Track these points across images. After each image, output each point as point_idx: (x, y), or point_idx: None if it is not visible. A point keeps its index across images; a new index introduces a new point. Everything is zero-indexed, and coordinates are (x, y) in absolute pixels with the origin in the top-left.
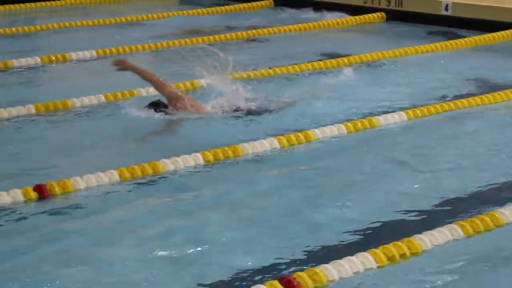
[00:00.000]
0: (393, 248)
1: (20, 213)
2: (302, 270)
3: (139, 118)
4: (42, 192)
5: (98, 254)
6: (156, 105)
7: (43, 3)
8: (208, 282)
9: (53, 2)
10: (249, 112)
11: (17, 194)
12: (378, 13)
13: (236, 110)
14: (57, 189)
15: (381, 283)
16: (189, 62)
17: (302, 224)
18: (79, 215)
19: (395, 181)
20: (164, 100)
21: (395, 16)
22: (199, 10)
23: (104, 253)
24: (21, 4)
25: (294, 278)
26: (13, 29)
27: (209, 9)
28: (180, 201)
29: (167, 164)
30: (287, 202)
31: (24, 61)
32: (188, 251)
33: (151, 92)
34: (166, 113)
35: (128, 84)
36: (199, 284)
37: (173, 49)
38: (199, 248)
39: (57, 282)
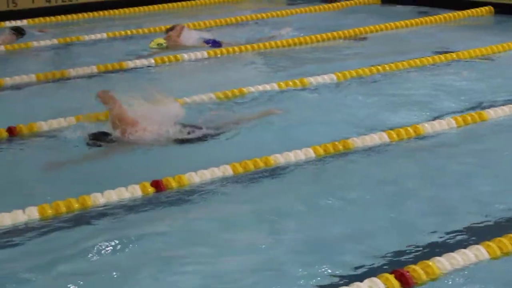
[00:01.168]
0: (507, 242)
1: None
2: (415, 263)
3: None
4: (159, 187)
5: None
6: (97, 139)
7: (160, 6)
8: (324, 275)
9: (165, 5)
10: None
11: (135, 189)
12: (486, 7)
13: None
14: (173, 184)
15: (494, 275)
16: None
17: (414, 218)
18: (192, 208)
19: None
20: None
21: (503, 9)
22: (306, 8)
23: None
24: (140, 7)
25: (407, 271)
26: (128, 31)
27: (316, 7)
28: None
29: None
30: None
31: (139, 62)
32: (305, 245)
33: None
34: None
35: (239, 82)
36: (319, 275)
37: (282, 48)
38: (319, 243)
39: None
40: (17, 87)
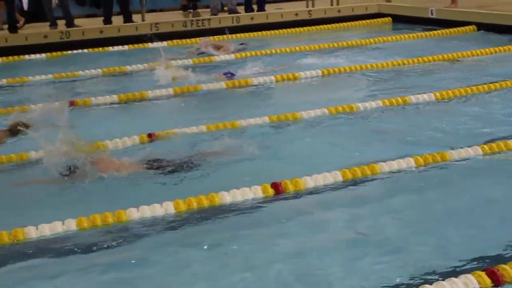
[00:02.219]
0: None
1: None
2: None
3: None
4: (277, 189)
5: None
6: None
7: (280, 31)
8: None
9: (284, 31)
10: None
11: (258, 190)
12: None
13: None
14: (290, 187)
15: None
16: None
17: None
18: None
19: None
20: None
21: None
22: (410, 34)
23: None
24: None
25: (498, 270)
26: (264, 51)
27: (419, 34)
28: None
29: None
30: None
31: (262, 79)
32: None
33: None
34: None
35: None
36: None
37: (387, 69)
38: (415, 240)
39: None
40: None
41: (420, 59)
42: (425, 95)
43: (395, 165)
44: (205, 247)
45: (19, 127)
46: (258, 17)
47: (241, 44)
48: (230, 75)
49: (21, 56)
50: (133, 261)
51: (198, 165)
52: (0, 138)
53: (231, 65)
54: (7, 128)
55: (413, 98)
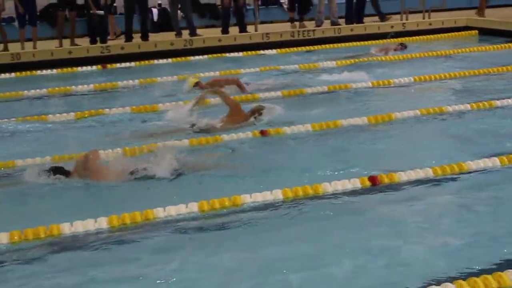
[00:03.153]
0: None
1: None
2: None
3: None
4: (374, 182)
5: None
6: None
7: (378, 41)
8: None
9: (380, 41)
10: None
11: (356, 182)
12: None
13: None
14: (386, 180)
15: None
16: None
17: None
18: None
19: None
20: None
21: None
22: (495, 46)
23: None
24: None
25: None
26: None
27: (504, 45)
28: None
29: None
30: None
31: (360, 84)
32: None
33: None
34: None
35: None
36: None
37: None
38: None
39: None
40: None
41: (505, 68)
42: (509, 100)
43: (481, 164)
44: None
45: (260, 111)
46: (357, 29)
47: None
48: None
49: (151, 61)
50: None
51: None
52: (244, 119)
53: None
54: (250, 111)
55: (498, 102)
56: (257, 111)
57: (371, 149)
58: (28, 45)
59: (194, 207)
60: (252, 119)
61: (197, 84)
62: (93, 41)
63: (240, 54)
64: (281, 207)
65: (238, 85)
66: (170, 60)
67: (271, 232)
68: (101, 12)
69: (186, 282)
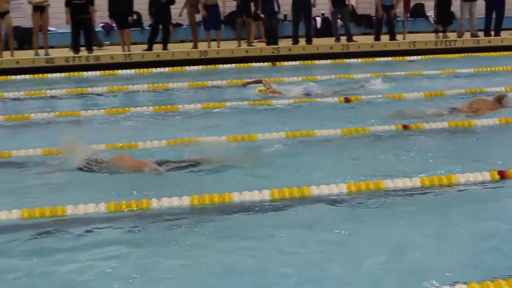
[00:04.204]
0: None
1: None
2: None
3: None
4: (503, 176)
5: None
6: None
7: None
8: None
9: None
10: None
11: (486, 176)
12: None
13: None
14: None
15: None
16: None
17: None
18: None
19: None
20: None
21: None
22: None
23: None
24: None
25: None
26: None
27: None
28: None
29: None
30: None
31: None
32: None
33: None
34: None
35: None
36: None
37: None
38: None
39: None
40: None
41: None
42: None
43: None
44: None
45: (504, 98)
46: (495, 41)
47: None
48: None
49: (313, 61)
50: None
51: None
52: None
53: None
54: (495, 98)
55: None
56: (502, 98)
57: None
58: (213, 45)
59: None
60: (498, 106)
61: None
62: (268, 43)
63: (389, 59)
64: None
65: (264, 83)
66: (329, 61)
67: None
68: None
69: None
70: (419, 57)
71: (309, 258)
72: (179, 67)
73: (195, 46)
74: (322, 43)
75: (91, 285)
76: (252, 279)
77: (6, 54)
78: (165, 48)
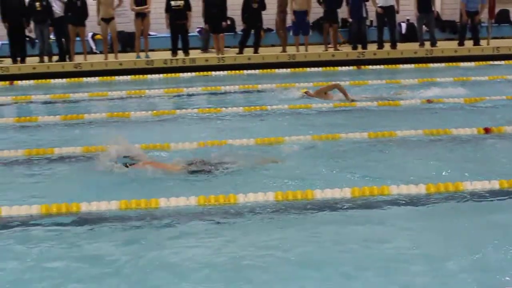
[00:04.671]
0: None
1: None
2: None
3: None
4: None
5: None
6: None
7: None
8: None
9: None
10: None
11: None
12: None
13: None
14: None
15: None
16: None
17: None
18: None
19: None
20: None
21: None
22: None
23: None
24: None
25: None
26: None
27: None
28: None
29: None
30: None
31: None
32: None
33: None
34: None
35: None
36: None
37: None
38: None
39: None
40: None
41: None
42: None
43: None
44: None
45: None
46: None
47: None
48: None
49: (397, 66)
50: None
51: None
52: None
53: None
54: None
55: None
56: None
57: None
58: (301, 49)
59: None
60: None
61: (306, 93)
62: (354, 47)
63: (472, 64)
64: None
65: (340, 89)
66: (413, 65)
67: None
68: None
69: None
70: (503, 62)
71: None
72: (268, 70)
73: (284, 50)
74: (407, 48)
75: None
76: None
77: (111, 57)
78: (256, 51)
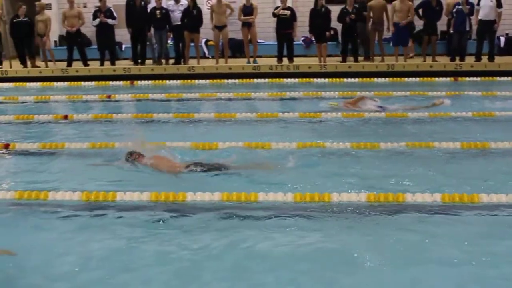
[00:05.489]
0: None
1: None
2: None
3: None
4: None
5: None
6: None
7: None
8: None
9: None
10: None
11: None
12: None
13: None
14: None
15: None
16: None
17: None
18: None
19: None
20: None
21: None
22: None
23: None
24: None
25: None
26: None
27: None
28: None
29: None
30: None
31: None
32: None
33: None
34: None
35: None
36: None
37: None
38: None
39: None
40: None
41: None
42: None
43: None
44: None
45: None
46: None
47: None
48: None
49: (494, 78)
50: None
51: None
52: None
53: None
54: None
55: None
56: None
57: None
58: (400, 59)
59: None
60: None
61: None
62: (453, 59)
63: None
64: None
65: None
66: (510, 78)
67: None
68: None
69: None
70: None
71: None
72: (367, 79)
73: (382, 60)
74: (504, 61)
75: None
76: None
77: (221, 61)
78: (355, 60)
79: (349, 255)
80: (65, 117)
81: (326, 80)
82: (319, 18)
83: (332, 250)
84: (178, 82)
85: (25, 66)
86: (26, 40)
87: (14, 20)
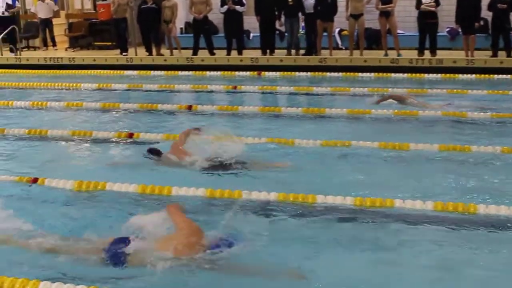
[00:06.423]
0: None
1: None
2: None
3: None
4: None
5: None
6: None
7: None
8: None
9: None
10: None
11: None
12: None
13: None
14: None
15: None
16: None
17: None
18: None
19: None
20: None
21: None
22: None
23: None
24: None
25: None
26: None
27: None
28: None
29: None
30: None
31: None
32: None
33: None
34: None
35: None
36: None
37: None
38: None
39: None
40: None
41: None
42: None
43: None
44: None
45: None
46: None
47: None
48: None
49: None
50: None
51: None
52: None
53: None
54: None
55: None
56: None
57: None
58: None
59: None
60: None
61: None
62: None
63: None
64: None
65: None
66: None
67: None
68: None
69: None
70: None
71: None
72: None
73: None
74: None
75: None
76: None
77: (356, 53)
78: (508, 55)
79: None
80: (189, 107)
81: (473, 76)
82: (467, 8)
83: None
84: (308, 74)
85: (150, 53)
86: (153, 26)
87: (142, 6)
